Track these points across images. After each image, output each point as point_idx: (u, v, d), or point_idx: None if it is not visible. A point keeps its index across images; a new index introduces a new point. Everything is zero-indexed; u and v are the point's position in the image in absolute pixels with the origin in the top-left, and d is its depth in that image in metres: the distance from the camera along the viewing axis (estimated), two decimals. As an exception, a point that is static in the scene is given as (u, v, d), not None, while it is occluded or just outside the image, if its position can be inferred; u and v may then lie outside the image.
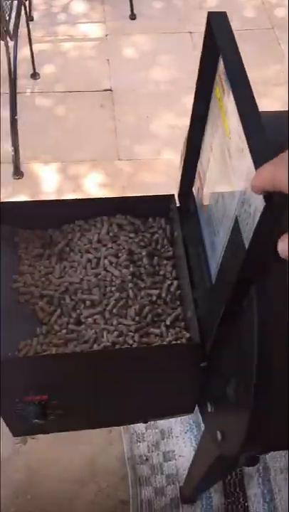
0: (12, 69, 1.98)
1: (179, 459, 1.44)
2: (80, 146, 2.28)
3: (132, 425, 1.46)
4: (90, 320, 0.78)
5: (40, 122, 2.34)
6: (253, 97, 0.57)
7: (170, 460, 1.43)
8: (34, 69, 2.45)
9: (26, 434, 0.97)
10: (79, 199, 0.88)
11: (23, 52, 2.35)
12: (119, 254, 0.82)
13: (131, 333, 0.76)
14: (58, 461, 1.41)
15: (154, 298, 0.79)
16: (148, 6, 2.70)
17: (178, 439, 1.46)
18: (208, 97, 0.69)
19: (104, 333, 0.76)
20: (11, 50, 1.95)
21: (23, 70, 2.42)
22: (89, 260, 0.82)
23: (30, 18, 2.41)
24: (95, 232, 0.84)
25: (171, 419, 1.48)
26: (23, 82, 2.42)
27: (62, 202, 0.92)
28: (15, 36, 1.97)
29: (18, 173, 2.17)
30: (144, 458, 1.43)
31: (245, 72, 0.59)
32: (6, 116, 2.29)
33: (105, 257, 0.82)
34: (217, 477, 1.30)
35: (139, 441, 1.45)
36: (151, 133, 2.33)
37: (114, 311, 0.78)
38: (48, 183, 2.17)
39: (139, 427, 1.47)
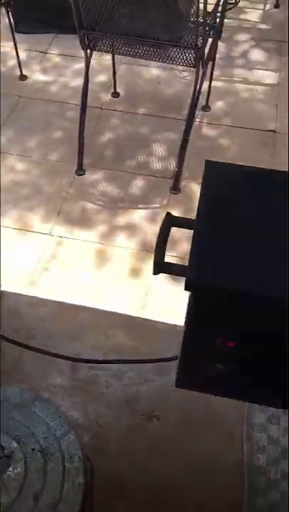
0: (196, 95, 2.17)
1: (297, 481, 1.40)
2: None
3: (254, 434, 1.47)
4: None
5: (204, 149, 2.50)
6: None
7: None
8: (207, 102, 2.65)
9: (189, 387, 1.02)
10: None
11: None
12: None
13: None
14: (178, 444, 1.44)
15: None
16: None
17: (299, 462, 1.43)
18: None
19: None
20: (199, 79, 2.15)
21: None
22: None
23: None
24: None
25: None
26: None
27: None
28: (205, 67, 2.18)
29: (176, 188, 2.32)
30: (262, 470, 1.42)
31: None
32: (174, 139, 2.50)
33: None
34: None
35: (260, 453, 1.44)
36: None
37: None
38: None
39: (262, 439, 1.46)
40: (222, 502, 1.35)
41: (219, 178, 0.91)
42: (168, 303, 1.87)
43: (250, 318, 0.80)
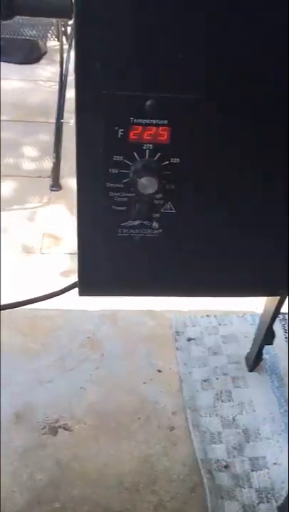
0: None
1: (272, 467, 1.00)
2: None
3: (204, 422, 1.05)
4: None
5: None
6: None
7: (260, 469, 1.00)
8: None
9: (101, 288, 0.61)
10: None
11: (71, 92, 2.35)
12: None
13: None
14: (99, 460, 0.98)
15: None
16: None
17: (269, 442, 1.03)
18: None
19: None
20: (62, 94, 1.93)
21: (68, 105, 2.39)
22: None
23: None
24: None
25: (257, 418, 1.07)
26: (67, 115, 2.37)
27: None
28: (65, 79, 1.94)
29: (56, 185, 1.99)
30: (223, 464, 1.00)
31: None
32: (46, 140, 2.21)
33: None
34: None
35: (214, 443, 1.03)
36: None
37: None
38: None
39: (214, 424, 1.06)
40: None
41: None
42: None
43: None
